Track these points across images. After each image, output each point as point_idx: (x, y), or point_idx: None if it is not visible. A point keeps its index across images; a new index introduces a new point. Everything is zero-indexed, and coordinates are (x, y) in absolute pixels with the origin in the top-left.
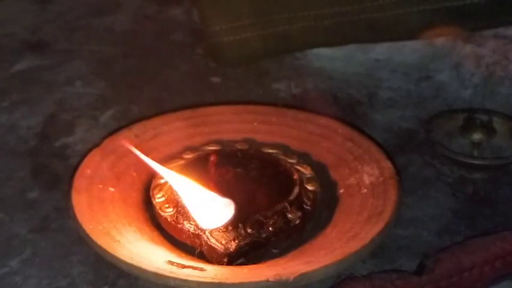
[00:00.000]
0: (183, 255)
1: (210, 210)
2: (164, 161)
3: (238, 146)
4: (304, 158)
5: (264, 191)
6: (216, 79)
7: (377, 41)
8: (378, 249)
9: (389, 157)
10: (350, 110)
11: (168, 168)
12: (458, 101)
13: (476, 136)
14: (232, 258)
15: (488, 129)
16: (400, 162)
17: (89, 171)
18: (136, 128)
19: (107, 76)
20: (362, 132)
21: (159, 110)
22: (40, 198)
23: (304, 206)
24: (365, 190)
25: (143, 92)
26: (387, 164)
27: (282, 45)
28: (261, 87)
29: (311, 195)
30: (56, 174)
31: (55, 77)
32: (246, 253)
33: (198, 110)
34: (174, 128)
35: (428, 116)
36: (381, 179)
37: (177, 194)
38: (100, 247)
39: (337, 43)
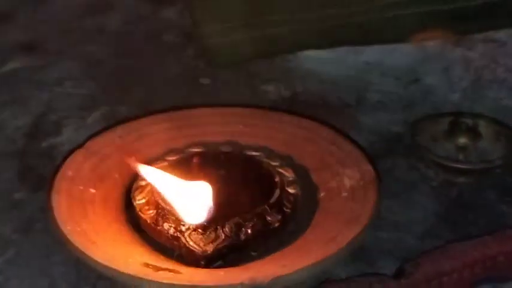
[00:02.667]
0: (161, 257)
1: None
2: (147, 162)
3: (222, 149)
4: (287, 160)
5: (246, 193)
6: (205, 80)
7: (367, 44)
8: (360, 252)
9: (371, 161)
10: (339, 112)
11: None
12: (447, 104)
13: (461, 140)
14: (210, 261)
15: (474, 133)
16: (386, 166)
17: (70, 173)
18: (121, 130)
19: (97, 77)
20: (346, 135)
21: (147, 111)
22: (25, 199)
23: (284, 209)
24: (345, 193)
25: (132, 92)
26: (368, 168)
27: (273, 47)
28: (250, 89)
29: (291, 198)
30: (42, 175)
31: (45, 78)
32: (224, 256)
33: (183, 112)
34: (158, 130)
35: (420, 117)
36: (361, 182)
37: (158, 192)
38: (77, 248)
39: (327, 46)
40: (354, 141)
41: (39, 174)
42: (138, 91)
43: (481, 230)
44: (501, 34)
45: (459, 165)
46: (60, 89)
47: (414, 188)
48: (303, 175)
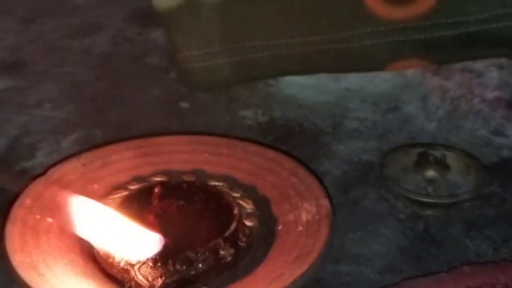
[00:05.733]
0: None
1: (137, 244)
2: (109, 191)
3: (185, 178)
4: (249, 191)
5: (204, 225)
6: (184, 104)
7: (346, 71)
8: (317, 285)
9: (328, 195)
10: (313, 139)
11: (111, 199)
12: (423, 134)
13: (429, 173)
14: None
15: (442, 166)
16: (355, 196)
17: (28, 201)
18: (85, 157)
19: (76, 99)
20: (307, 167)
21: (123, 136)
22: None
23: (239, 243)
24: (300, 228)
25: (110, 116)
26: (325, 202)
27: (253, 72)
28: (228, 114)
29: (247, 232)
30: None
31: (25, 99)
32: None
33: (149, 140)
34: (123, 158)
35: (392, 148)
36: (317, 217)
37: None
38: (22, 281)
39: (307, 72)
40: (314, 174)
41: (8, 199)
42: (116, 115)
43: (442, 266)
44: (479, 64)
45: (427, 199)
46: (38, 111)
47: (381, 220)
48: (264, 206)
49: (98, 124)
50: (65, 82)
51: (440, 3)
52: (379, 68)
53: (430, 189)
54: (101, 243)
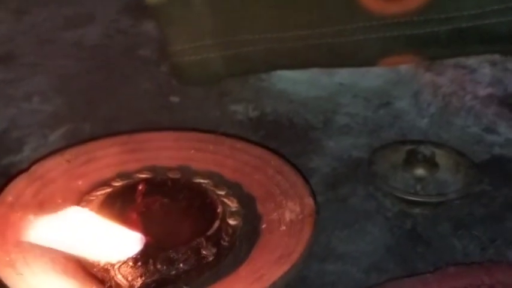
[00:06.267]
0: None
1: (117, 243)
2: (93, 187)
3: (170, 175)
4: (235, 189)
5: (187, 223)
6: (175, 98)
7: (338, 66)
8: (301, 284)
9: (313, 194)
10: (303, 135)
11: (95, 196)
12: (414, 130)
13: (418, 171)
14: None
15: (431, 164)
16: (343, 193)
17: (10, 198)
18: (69, 153)
19: (66, 92)
20: (293, 165)
21: (111, 130)
22: None
23: (222, 242)
24: (284, 227)
25: (99, 109)
26: (309, 201)
27: (245, 66)
28: (219, 108)
29: (231, 231)
30: None
31: (14, 92)
32: None
33: (135, 136)
34: (108, 154)
35: (381, 144)
36: (300, 216)
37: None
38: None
39: (300, 66)
40: (299, 172)
41: None
42: (105, 108)
43: (428, 265)
44: (472, 60)
45: (415, 197)
46: (27, 104)
47: (369, 218)
48: (249, 204)
49: (87, 118)
50: (55, 75)
51: None
52: (372, 63)
53: (418, 187)
54: (81, 245)
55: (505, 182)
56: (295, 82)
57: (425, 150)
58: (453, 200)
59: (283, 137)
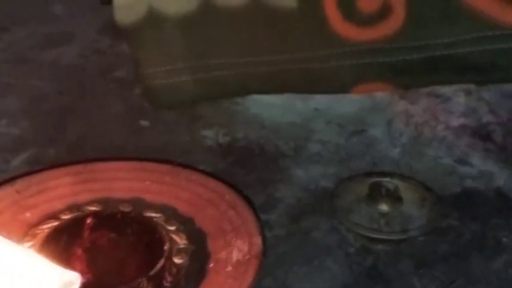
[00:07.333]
0: None
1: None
2: (41, 220)
3: (121, 208)
4: (187, 224)
5: (133, 260)
6: (145, 122)
7: (311, 92)
8: None
9: (262, 232)
10: (273, 162)
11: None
12: (386, 160)
13: (381, 206)
14: None
15: (394, 199)
16: (306, 226)
17: None
18: (20, 183)
19: (35, 115)
20: (247, 199)
21: (75, 155)
22: None
23: (164, 283)
24: (230, 268)
25: (66, 133)
26: (257, 241)
27: (217, 90)
28: (189, 133)
29: (175, 270)
30: None
31: None
32: None
33: (90, 165)
34: (60, 184)
35: (348, 176)
36: (247, 257)
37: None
38: None
39: (273, 91)
40: (252, 207)
41: None
42: (73, 132)
43: None
44: (446, 89)
45: (377, 234)
46: None
47: (329, 253)
48: (199, 241)
49: (52, 142)
50: (27, 96)
51: (407, 26)
52: (344, 90)
53: (382, 221)
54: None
55: (474, 217)
56: (270, 106)
57: (389, 184)
58: (417, 236)
59: (252, 164)
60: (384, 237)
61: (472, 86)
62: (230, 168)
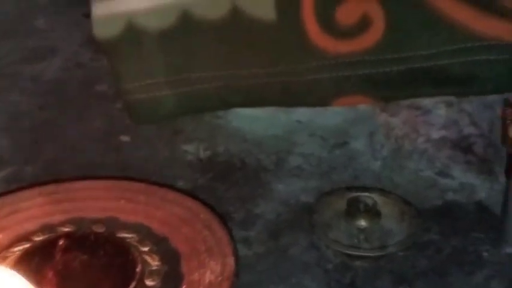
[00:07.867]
0: None
1: None
2: (13, 242)
3: (94, 228)
4: (161, 244)
5: (104, 283)
6: (125, 138)
7: (291, 105)
8: None
9: (235, 253)
10: (254, 177)
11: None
12: (367, 173)
13: (359, 222)
14: None
15: (373, 214)
16: (285, 242)
17: None
18: None
19: (13, 132)
20: (222, 219)
21: (53, 173)
22: None
23: None
24: None
25: (45, 151)
26: (230, 261)
27: (198, 104)
28: (170, 148)
29: None
30: None
31: None
32: None
33: (64, 185)
34: (33, 205)
35: (328, 190)
36: (219, 278)
37: None
38: None
39: (254, 104)
40: (227, 227)
41: None
42: (52, 149)
43: None
44: (427, 101)
45: (355, 250)
46: None
47: (307, 270)
48: (172, 262)
49: (30, 160)
50: (6, 112)
51: (386, 38)
52: (324, 103)
53: (361, 237)
54: None
55: (455, 231)
56: (252, 119)
57: (368, 199)
58: (396, 252)
59: (233, 179)
60: (363, 253)
61: (453, 98)
62: (210, 183)
